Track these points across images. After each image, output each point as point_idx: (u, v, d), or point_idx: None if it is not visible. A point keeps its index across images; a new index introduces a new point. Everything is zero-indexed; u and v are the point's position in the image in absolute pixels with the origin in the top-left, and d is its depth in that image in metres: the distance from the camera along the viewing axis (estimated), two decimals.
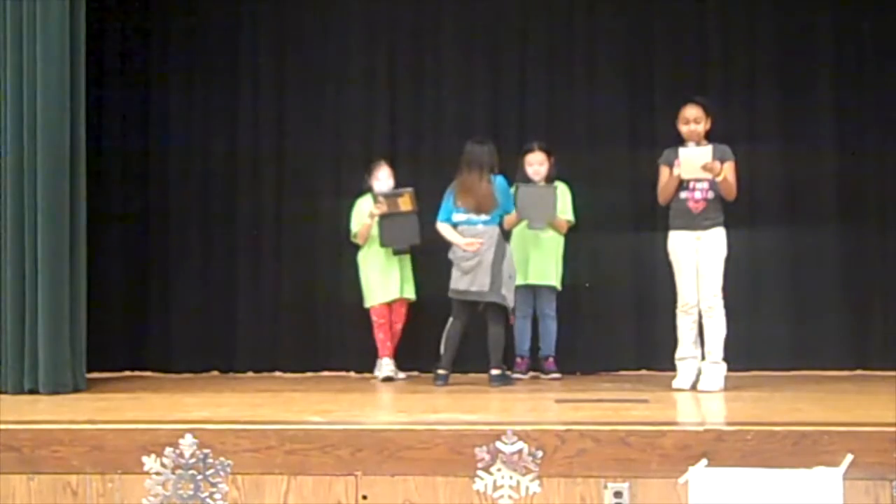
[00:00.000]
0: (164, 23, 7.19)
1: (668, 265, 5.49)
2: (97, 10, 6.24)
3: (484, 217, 5.81)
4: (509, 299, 5.80)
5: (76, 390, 5.47)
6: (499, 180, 5.87)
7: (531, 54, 6.96)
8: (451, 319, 5.87)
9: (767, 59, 6.76)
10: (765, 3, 6.80)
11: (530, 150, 6.26)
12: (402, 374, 6.33)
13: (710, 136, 5.43)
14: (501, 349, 5.82)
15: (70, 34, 5.53)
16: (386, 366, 6.19)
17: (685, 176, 5.31)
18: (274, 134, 7.09)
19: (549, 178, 6.27)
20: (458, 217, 5.87)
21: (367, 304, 6.30)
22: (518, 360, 6.30)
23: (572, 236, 6.47)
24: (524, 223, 6.15)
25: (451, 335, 5.82)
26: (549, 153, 6.26)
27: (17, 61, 5.48)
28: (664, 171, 5.41)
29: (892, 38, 6.61)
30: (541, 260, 6.27)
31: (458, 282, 5.79)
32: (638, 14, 6.87)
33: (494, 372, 5.74)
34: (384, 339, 6.22)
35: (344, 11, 7.08)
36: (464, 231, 5.83)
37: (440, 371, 5.78)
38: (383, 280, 6.24)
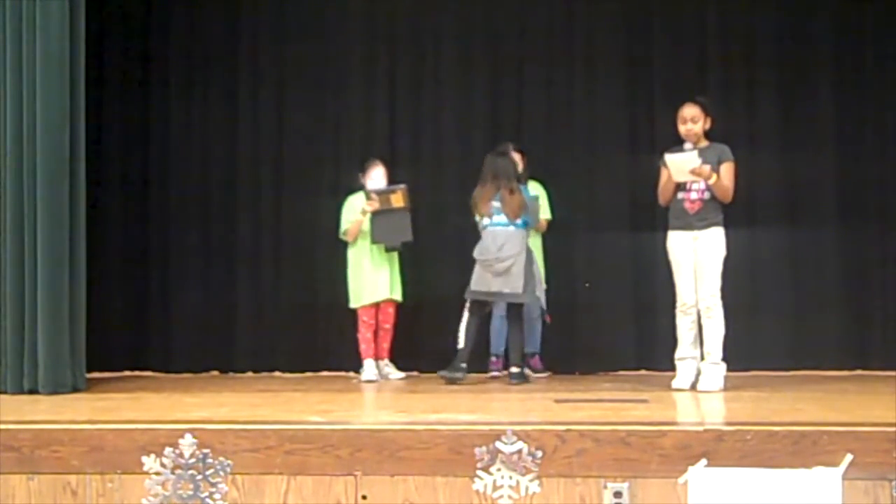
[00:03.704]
0: (164, 23, 7.19)
1: (668, 265, 5.49)
2: (97, 10, 6.24)
3: (518, 221, 5.89)
4: (542, 300, 5.98)
5: (76, 390, 5.47)
6: (526, 190, 5.98)
7: (531, 54, 6.97)
8: (468, 315, 5.88)
9: (767, 59, 6.76)
10: (765, 3, 6.80)
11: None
12: (400, 374, 6.32)
13: (709, 136, 5.43)
14: (522, 349, 5.95)
15: (70, 35, 5.52)
16: (370, 368, 6.19)
17: (676, 179, 5.31)
18: (273, 134, 7.10)
19: (524, 177, 6.32)
20: (487, 221, 5.93)
21: (354, 304, 6.28)
22: (493, 359, 6.31)
23: (573, 236, 6.47)
24: None
25: (471, 331, 5.86)
26: (523, 153, 6.32)
27: (17, 62, 5.48)
28: (664, 172, 5.40)
29: (892, 38, 6.62)
30: None
31: (490, 284, 5.81)
32: (638, 14, 6.88)
33: (514, 370, 5.86)
34: (371, 340, 6.23)
35: (344, 11, 7.09)
36: (496, 232, 5.85)
37: (462, 364, 5.79)
38: (372, 280, 6.22)
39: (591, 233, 6.62)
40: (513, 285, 5.77)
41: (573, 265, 6.53)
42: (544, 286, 6.24)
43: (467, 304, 5.90)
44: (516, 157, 6.28)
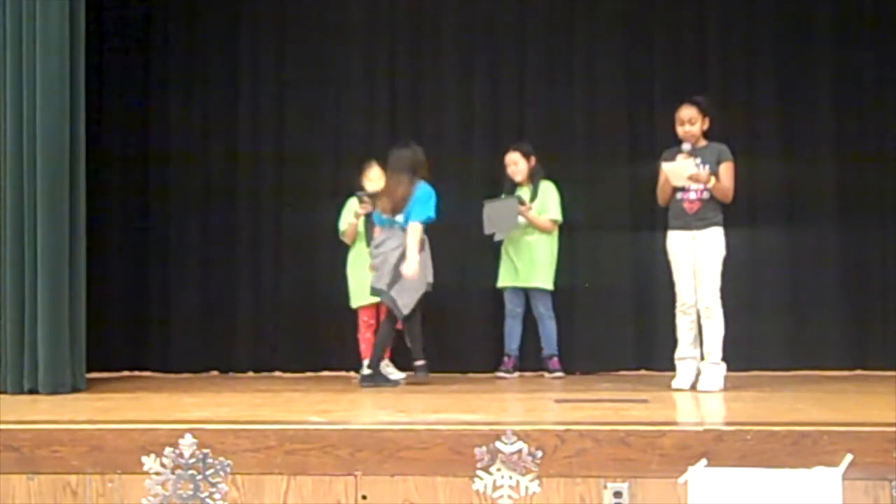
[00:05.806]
0: (164, 23, 7.20)
1: (668, 265, 5.49)
2: (97, 10, 6.24)
3: (400, 219, 5.79)
4: (404, 304, 5.71)
5: (76, 390, 5.47)
6: (422, 186, 5.80)
7: (531, 54, 6.96)
8: (413, 318, 5.85)
9: (767, 59, 6.76)
10: (765, 3, 6.80)
11: (506, 151, 6.39)
12: (400, 374, 6.32)
13: (708, 136, 5.43)
14: (383, 349, 5.90)
15: (70, 34, 5.52)
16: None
17: (675, 184, 5.32)
18: (274, 134, 7.10)
19: (533, 178, 6.35)
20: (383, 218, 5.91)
21: (353, 304, 6.30)
22: (505, 358, 6.32)
23: (573, 236, 6.47)
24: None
25: (416, 331, 5.85)
26: (527, 154, 6.35)
27: (17, 61, 5.48)
28: (663, 173, 5.40)
29: (893, 37, 6.61)
30: (528, 262, 6.31)
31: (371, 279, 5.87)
32: (638, 14, 6.88)
33: (366, 372, 5.82)
34: (370, 340, 6.22)
35: (344, 11, 7.09)
36: (384, 230, 5.81)
37: (421, 362, 5.82)
38: (366, 282, 6.22)
39: (591, 233, 6.62)
40: (382, 281, 5.74)
41: (573, 265, 6.52)
42: (545, 288, 6.23)
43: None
44: (515, 156, 6.31)
